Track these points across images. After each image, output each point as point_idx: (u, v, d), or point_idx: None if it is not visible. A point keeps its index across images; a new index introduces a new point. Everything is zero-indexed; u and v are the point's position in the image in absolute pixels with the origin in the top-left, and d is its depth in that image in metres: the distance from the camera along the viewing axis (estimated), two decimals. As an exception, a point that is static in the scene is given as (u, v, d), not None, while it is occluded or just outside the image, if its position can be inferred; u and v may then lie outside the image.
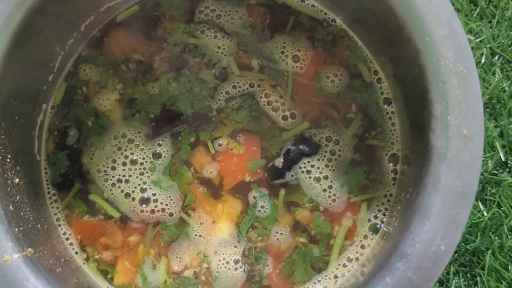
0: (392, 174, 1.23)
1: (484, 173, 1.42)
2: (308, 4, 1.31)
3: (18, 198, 1.08)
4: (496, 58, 1.50)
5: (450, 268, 1.38)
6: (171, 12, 1.32)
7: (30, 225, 1.08)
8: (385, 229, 1.20)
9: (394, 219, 1.17)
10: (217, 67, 1.29)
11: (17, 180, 1.09)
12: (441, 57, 1.01)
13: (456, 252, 1.38)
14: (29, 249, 1.01)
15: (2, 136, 1.07)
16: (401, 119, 1.24)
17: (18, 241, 1.00)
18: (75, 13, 1.20)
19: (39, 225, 1.13)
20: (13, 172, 1.09)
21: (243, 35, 1.30)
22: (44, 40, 1.16)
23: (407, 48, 1.07)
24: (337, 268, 1.21)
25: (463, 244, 1.38)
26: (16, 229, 1.02)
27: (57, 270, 1.07)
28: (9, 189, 1.06)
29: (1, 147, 1.06)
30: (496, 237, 1.37)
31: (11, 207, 1.03)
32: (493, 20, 1.52)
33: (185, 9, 1.32)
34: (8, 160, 1.08)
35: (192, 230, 1.22)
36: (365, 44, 1.29)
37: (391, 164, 1.24)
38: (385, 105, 1.26)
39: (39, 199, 1.20)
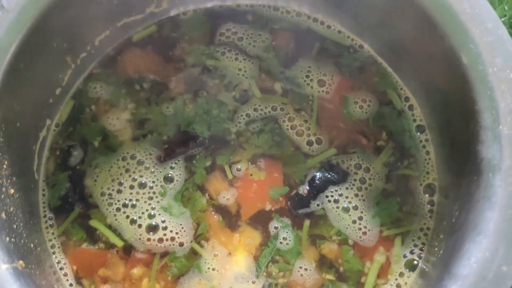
0: (429, 205, 1.12)
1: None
2: (334, 30, 1.25)
3: (11, 209, 0.95)
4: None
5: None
6: (190, 34, 1.25)
7: (22, 241, 0.94)
8: (423, 266, 1.06)
9: (433, 255, 1.04)
10: (237, 90, 1.20)
11: (12, 191, 0.97)
12: (488, 64, 0.94)
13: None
14: (20, 262, 0.87)
15: (1, 139, 0.95)
16: (436, 146, 1.14)
17: (8, 251, 0.86)
18: (90, 23, 1.13)
19: (31, 245, 0.98)
20: (9, 181, 0.96)
21: (265, 58, 1.23)
22: (56, 47, 1.07)
23: (448, 60, 1.00)
24: (369, 311, 1.05)
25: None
26: (7, 238, 0.88)
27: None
28: (2, 196, 0.93)
29: (-1, 149, 0.95)
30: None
31: (3, 215, 0.90)
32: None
33: (205, 31, 1.26)
34: (5, 166, 0.96)
35: (205, 262, 1.08)
36: (394, 70, 1.22)
37: (427, 195, 1.12)
38: (418, 133, 1.17)
39: (34, 221, 1.06)
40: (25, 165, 1.06)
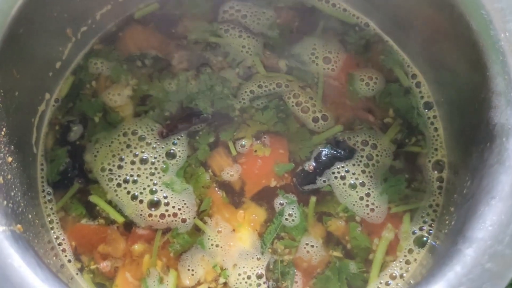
0: (438, 182, 1.09)
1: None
2: (339, 8, 1.23)
3: (9, 176, 0.91)
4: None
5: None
6: (193, 11, 1.23)
7: (20, 209, 0.91)
8: (433, 243, 1.03)
9: (443, 229, 1.01)
10: (241, 66, 1.18)
11: (10, 159, 0.93)
12: (500, 30, 0.91)
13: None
14: (18, 226, 0.83)
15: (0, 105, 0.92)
16: (445, 122, 1.11)
17: (6, 214, 0.82)
18: (92, -5, 1.11)
19: (29, 216, 0.95)
20: (7, 149, 0.93)
21: (270, 36, 1.21)
22: (56, 16, 1.05)
23: (457, 29, 0.98)
24: (378, 287, 1.02)
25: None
26: (5, 202, 0.84)
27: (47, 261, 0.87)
28: (0, 162, 0.89)
29: (-3, 113, 0.92)
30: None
31: (1, 179, 0.87)
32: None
33: (208, 9, 1.24)
34: (3, 133, 0.92)
35: (208, 239, 1.04)
36: (401, 48, 1.20)
37: (436, 171, 1.10)
38: (426, 110, 1.14)
39: (32, 194, 1.03)
40: (24, 137, 1.03)
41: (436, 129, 1.13)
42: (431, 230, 1.05)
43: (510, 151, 0.84)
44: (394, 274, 1.02)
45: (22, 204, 0.92)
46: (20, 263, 0.77)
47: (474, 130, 0.96)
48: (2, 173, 0.89)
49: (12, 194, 0.90)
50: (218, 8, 1.24)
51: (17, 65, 0.97)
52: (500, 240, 0.78)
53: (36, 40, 1.01)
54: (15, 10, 0.93)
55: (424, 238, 1.04)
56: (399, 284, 1.01)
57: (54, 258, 1.00)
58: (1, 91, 0.93)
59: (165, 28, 1.22)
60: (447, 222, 0.99)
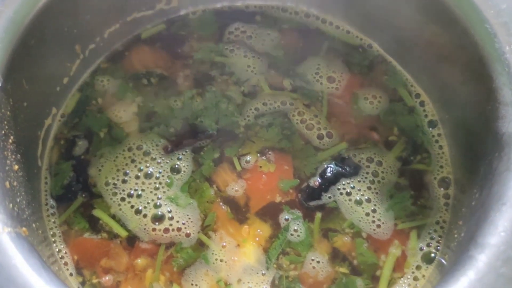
0: (444, 199, 1.08)
1: None
2: (342, 30, 1.26)
3: (15, 184, 0.91)
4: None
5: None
6: (199, 32, 1.25)
7: (25, 216, 0.90)
8: (441, 259, 1.01)
9: (452, 242, 0.99)
10: (246, 85, 1.19)
11: (16, 167, 0.93)
12: (504, 42, 0.93)
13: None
14: (24, 229, 0.82)
15: (8, 113, 0.93)
16: (450, 139, 1.12)
17: (12, 217, 0.81)
18: (101, 13, 1.13)
19: (33, 225, 0.93)
20: (13, 157, 0.93)
21: (274, 56, 1.23)
22: (66, 31, 1.07)
23: (462, 44, 1.00)
24: (387, 304, 1.00)
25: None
26: (10, 205, 0.83)
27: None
28: (7, 168, 0.89)
29: (6, 122, 0.92)
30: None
31: (7, 184, 0.86)
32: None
33: (214, 30, 1.26)
34: (10, 141, 0.92)
35: (212, 253, 1.03)
36: (404, 68, 1.21)
37: (442, 188, 1.09)
38: (430, 128, 1.15)
39: (36, 206, 1.01)
40: (30, 149, 1.03)
41: (441, 147, 1.13)
42: (438, 246, 1.03)
43: (519, 159, 0.84)
44: (405, 295, 1.01)
45: (26, 213, 0.91)
46: (24, 265, 0.75)
47: (481, 144, 0.96)
48: (9, 179, 0.88)
49: (18, 200, 0.89)
50: (224, 29, 1.26)
51: (27, 76, 0.98)
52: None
53: (46, 53, 1.02)
54: (28, 21, 0.95)
55: (432, 255, 1.03)
56: (407, 300, 0.99)
57: (56, 272, 0.98)
58: (11, 100, 0.93)
59: (171, 48, 1.24)
60: (455, 236, 0.97)
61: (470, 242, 0.80)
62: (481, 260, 0.76)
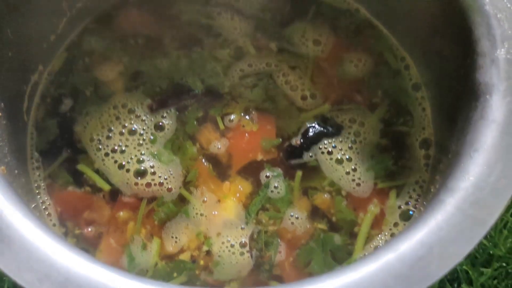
0: (424, 159, 1.09)
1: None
2: (330, -6, 1.26)
3: (-4, 130, 0.92)
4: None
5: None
6: (187, -5, 1.26)
7: (6, 160, 0.91)
8: (417, 216, 1.02)
9: (428, 198, 1.00)
10: (232, 47, 1.20)
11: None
12: (484, -5, 0.93)
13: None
14: (2, 167, 0.83)
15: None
16: (432, 100, 1.12)
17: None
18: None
19: (16, 171, 0.95)
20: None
21: (261, 19, 1.24)
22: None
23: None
24: (363, 259, 1.00)
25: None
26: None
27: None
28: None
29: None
30: None
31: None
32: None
33: (202, -7, 1.26)
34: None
35: (193, 208, 1.04)
36: (391, 32, 1.22)
37: (423, 149, 1.10)
38: (414, 91, 1.15)
39: (21, 159, 1.03)
40: (15, 101, 1.05)
41: (424, 109, 1.13)
42: (417, 204, 1.04)
43: (494, 106, 0.84)
44: (379, 247, 1.01)
45: (8, 158, 0.93)
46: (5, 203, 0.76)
47: (460, 99, 0.96)
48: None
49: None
50: (211, -8, 1.27)
51: (12, 27, 1.00)
52: (481, 189, 0.77)
53: (32, 5, 1.03)
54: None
55: (410, 212, 1.04)
56: (383, 255, 1.00)
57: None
58: (-6, 47, 0.95)
59: (159, 10, 1.24)
60: (432, 190, 0.98)
61: (442, 188, 0.81)
62: (449, 203, 0.77)
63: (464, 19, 0.94)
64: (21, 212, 0.74)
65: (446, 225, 0.74)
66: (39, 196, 1.05)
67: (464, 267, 1.15)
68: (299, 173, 1.07)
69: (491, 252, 1.17)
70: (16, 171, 0.94)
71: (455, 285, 1.15)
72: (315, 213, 1.05)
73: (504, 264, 1.16)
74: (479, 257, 1.16)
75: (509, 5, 0.91)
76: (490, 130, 0.82)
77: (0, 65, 0.97)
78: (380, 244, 1.02)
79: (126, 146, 1.09)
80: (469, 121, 0.87)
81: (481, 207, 0.76)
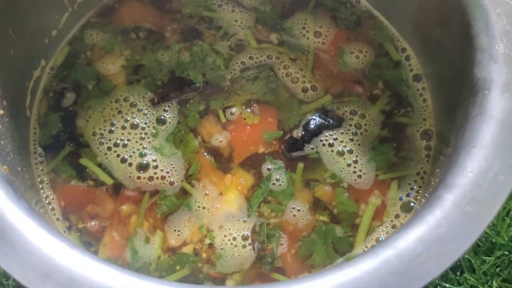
0: (426, 151, 1.09)
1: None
2: (331, -15, 1.25)
3: (0, 127, 0.93)
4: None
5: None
6: (188, -13, 1.26)
7: (9, 159, 0.92)
8: (419, 208, 1.02)
9: (428, 191, 1.01)
10: (233, 39, 1.20)
11: (1, 112, 0.95)
12: (483, -11, 0.93)
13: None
14: (4, 167, 0.84)
15: (-7, 59, 0.95)
16: (433, 91, 1.12)
17: (-8, 155, 0.84)
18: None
19: (18, 168, 0.96)
20: (-1, 100, 0.95)
21: (262, 11, 1.23)
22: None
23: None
24: (364, 251, 1.02)
25: None
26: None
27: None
28: (-10, 109, 0.92)
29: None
30: None
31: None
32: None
33: (202, -15, 1.26)
34: (-5, 83, 0.95)
35: (195, 201, 1.05)
36: (391, 23, 1.21)
37: (424, 140, 1.10)
38: (415, 82, 1.15)
39: (24, 153, 1.04)
40: (18, 98, 1.06)
41: (424, 100, 1.14)
42: (418, 196, 1.05)
43: (492, 102, 0.84)
44: (380, 238, 1.03)
45: (11, 156, 0.94)
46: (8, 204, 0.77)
47: (459, 92, 0.96)
48: (-9, 119, 0.91)
49: (2, 143, 0.91)
50: (212, -16, 1.26)
51: (13, 25, 1.00)
52: (480, 185, 0.78)
53: (33, 1, 1.04)
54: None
55: (411, 204, 1.05)
56: (384, 247, 1.01)
57: (42, 214, 1.01)
58: (-5, 45, 0.96)
59: (160, 3, 1.25)
60: (432, 183, 0.99)
61: (440, 184, 0.81)
62: (447, 200, 0.77)
63: (463, 14, 0.94)
64: (24, 211, 0.75)
65: (444, 222, 0.75)
66: (42, 191, 1.06)
67: (467, 255, 1.16)
68: (300, 166, 1.08)
69: (493, 240, 1.17)
70: (19, 168, 0.95)
71: (458, 273, 1.16)
72: (316, 205, 1.06)
73: (506, 253, 1.17)
74: (482, 246, 1.17)
75: (508, 0, 0.90)
76: (489, 126, 0.82)
77: (2, 64, 0.97)
78: (382, 236, 1.03)
79: (128, 140, 1.09)
80: (467, 116, 0.87)
81: (479, 204, 0.76)
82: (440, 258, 0.72)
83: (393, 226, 1.03)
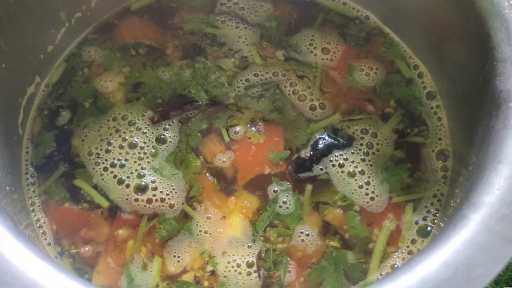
0: (442, 172, 1.03)
1: None
2: (338, 1, 1.21)
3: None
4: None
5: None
6: (190, 4, 1.21)
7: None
8: (437, 233, 0.95)
9: (447, 214, 0.94)
10: (237, 56, 1.15)
11: (-10, 129, 0.89)
12: None
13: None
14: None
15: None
16: (448, 109, 1.06)
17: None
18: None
19: (7, 188, 0.90)
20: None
21: (267, 27, 1.19)
22: (50, -4, 1.03)
23: (459, 6, 0.95)
24: (378, 279, 0.94)
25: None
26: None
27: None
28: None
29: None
30: None
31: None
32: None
33: (205, 1, 1.22)
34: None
35: (197, 225, 0.98)
36: (402, 39, 1.16)
37: (440, 161, 1.04)
38: (429, 100, 1.10)
39: (14, 172, 0.98)
40: (9, 114, 1.00)
41: (439, 119, 1.08)
42: (435, 219, 0.98)
43: (517, 116, 0.78)
44: (396, 266, 0.95)
45: (0, 174, 0.87)
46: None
47: (479, 107, 0.91)
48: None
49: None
50: (215, 1, 1.22)
51: (5, 37, 0.95)
52: (508, 203, 0.71)
53: (28, 15, 0.99)
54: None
55: (428, 228, 0.98)
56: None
57: (33, 239, 0.94)
58: (-14, 59, 0.90)
59: (161, 20, 1.20)
60: (452, 204, 0.92)
61: (464, 203, 0.74)
62: (474, 219, 0.71)
63: (482, 24, 0.89)
64: (9, 231, 0.68)
65: (471, 244, 0.68)
66: (33, 214, 0.99)
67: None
68: (309, 187, 1.01)
69: (515, 269, 1.10)
70: (7, 188, 0.89)
71: (475, 306, 1.08)
72: (326, 229, 0.99)
73: (529, 283, 1.10)
74: (503, 275, 1.09)
75: (529, 7, 0.85)
76: (515, 139, 0.76)
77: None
78: (397, 263, 0.95)
79: (126, 160, 1.03)
80: (490, 131, 0.81)
81: (508, 223, 0.69)
82: (468, 284, 0.64)
83: (410, 252, 0.96)
